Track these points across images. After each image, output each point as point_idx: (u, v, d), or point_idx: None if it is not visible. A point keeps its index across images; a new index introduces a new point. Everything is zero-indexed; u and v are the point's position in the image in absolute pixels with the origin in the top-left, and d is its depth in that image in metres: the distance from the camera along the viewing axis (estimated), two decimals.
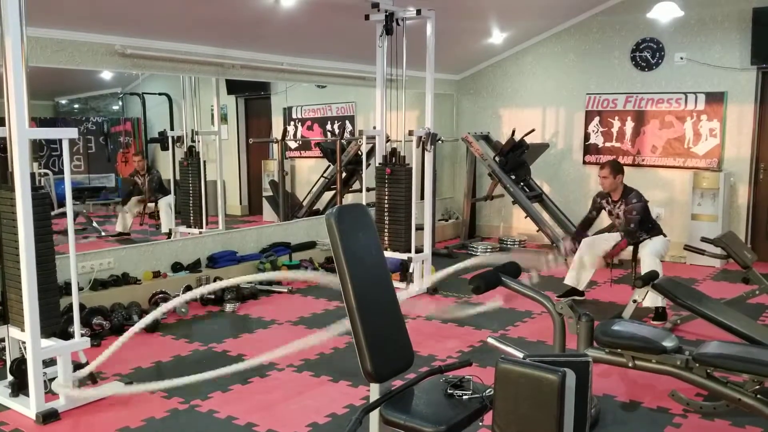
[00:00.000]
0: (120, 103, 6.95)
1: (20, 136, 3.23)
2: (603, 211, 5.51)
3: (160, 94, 6.94)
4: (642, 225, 5.24)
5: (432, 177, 6.22)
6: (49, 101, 6.52)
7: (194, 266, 5.88)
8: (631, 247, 5.27)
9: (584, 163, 8.09)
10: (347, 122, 8.39)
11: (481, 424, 2.38)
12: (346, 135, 8.15)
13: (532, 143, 7.77)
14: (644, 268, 4.94)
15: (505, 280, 3.29)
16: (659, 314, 4.96)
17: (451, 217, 9.05)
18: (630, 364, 3.13)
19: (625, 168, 7.56)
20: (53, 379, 3.52)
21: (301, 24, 5.92)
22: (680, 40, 7.36)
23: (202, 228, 6.35)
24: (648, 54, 7.57)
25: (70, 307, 3.69)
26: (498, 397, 1.97)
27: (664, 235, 5.35)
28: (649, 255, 5.08)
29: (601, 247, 5.38)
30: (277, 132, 8.16)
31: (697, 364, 2.97)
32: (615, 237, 5.35)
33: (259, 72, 6.61)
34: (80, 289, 4.69)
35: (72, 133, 3.45)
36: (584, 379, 2.03)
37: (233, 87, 7.40)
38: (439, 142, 7.87)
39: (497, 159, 7.74)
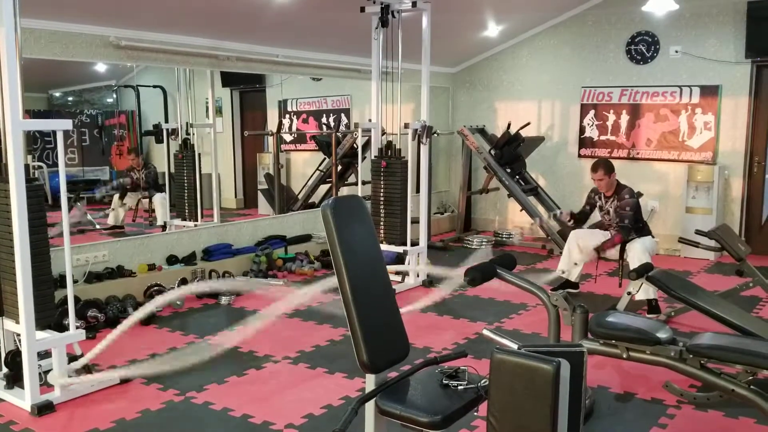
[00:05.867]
0: (114, 95, 6.91)
1: (14, 127, 3.21)
2: (596, 206, 5.52)
3: (154, 86, 6.91)
4: (634, 223, 5.24)
5: (427, 170, 6.22)
6: (42, 94, 6.48)
7: (189, 259, 5.87)
8: (618, 246, 5.27)
9: (579, 156, 8.10)
10: (343, 115, 8.38)
11: (476, 414, 2.39)
12: (342, 128, 8.14)
13: (528, 136, 7.77)
14: (634, 263, 4.95)
15: (500, 272, 3.30)
16: (653, 307, 4.98)
17: (447, 210, 9.06)
18: (624, 356, 3.14)
19: (620, 161, 7.60)
20: (48, 371, 3.52)
21: (296, 16, 5.90)
22: (675, 33, 7.37)
23: (197, 221, 6.34)
24: (643, 47, 7.57)
25: (64, 300, 3.69)
26: (493, 387, 1.98)
27: (653, 236, 5.37)
28: (639, 251, 5.09)
29: (589, 241, 5.40)
30: (272, 125, 8.14)
31: (691, 356, 2.98)
32: (605, 234, 5.35)
33: (254, 64, 6.59)
34: (75, 281, 4.69)
35: (67, 124, 3.44)
36: (579, 370, 2.04)
37: (228, 79, 7.37)
38: (435, 135, 7.86)
39: (493, 152, 7.74)
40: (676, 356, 3.02)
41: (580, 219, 5.64)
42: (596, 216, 5.67)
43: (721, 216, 7.14)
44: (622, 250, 5.26)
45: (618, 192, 5.30)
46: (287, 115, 8.62)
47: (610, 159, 7.56)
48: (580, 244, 5.41)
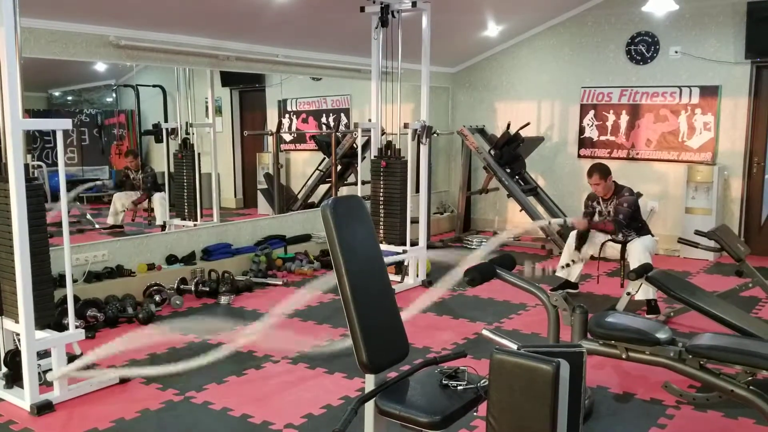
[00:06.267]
0: (114, 95, 6.91)
1: (14, 126, 3.21)
2: (595, 213, 5.49)
3: (154, 86, 6.91)
4: (632, 223, 5.23)
5: (427, 170, 6.22)
6: (42, 93, 6.48)
7: (189, 259, 5.87)
8: (619, 246, 5.26)
9: (579, 156, 8.10)
10: (342, 115, 8.38)
11: (475, 414, 2.39)
12: (341, 128, 8.13)
13: (527, 137, 7.78)
14: (634, 263, 4.95)
15: (500, 273, 3.30)
16: (652, 307, 4.98)
17: (446, 210, 9.06)
18: (623, 356, 3.14)
19: (619, 161, 7.59)
20: (48, 371, 3.52)
21: (296, 16, 5.90)
22: (675, 33, 7.38)
23: (196, 220, 6.34)
24: (643, 47, 7.58)
25: (64, 299, 3.69)
26: (493, 387, 1.98)
27: (652, 235, 5.36)
28: (639, 250, 5.08)
29: (591, 240, 5.39)
30: (271, 124, 8.14)
31: (690, 356, 2.98)
32: (606, 236, 5.34)
33: (254, 64, 6.59)
34: (74, 281, 4.69)
35: (66, 123, 3.43)
36: (578, 370, 2.04)
37: (228, 79, 7.38)
38: (435, 135, 7.87)
39: (492, 152, 7.74)
40: (675, 357, 3.02)
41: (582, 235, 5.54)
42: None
43: (721, 216, 7.14)
44: (623, 250, 5.26)
45: (617, 192, 5.29)
46: (287, 115, 8.62)
47: (610, 159, 7.63)
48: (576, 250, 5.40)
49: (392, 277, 5.71)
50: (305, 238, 7.00)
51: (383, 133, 6.11)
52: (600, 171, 5.29)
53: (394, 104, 5.90)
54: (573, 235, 5.51)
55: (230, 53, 6.18)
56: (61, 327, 3.76)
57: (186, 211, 6.41)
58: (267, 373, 3.94)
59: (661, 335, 3.07)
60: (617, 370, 3.95)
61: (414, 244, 5.93)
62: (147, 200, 6.64)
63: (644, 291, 4.75)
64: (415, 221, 6.07)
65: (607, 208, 5.34)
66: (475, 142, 7.97)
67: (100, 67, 6.11)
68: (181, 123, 6.49)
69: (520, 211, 7.61)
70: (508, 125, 7.69)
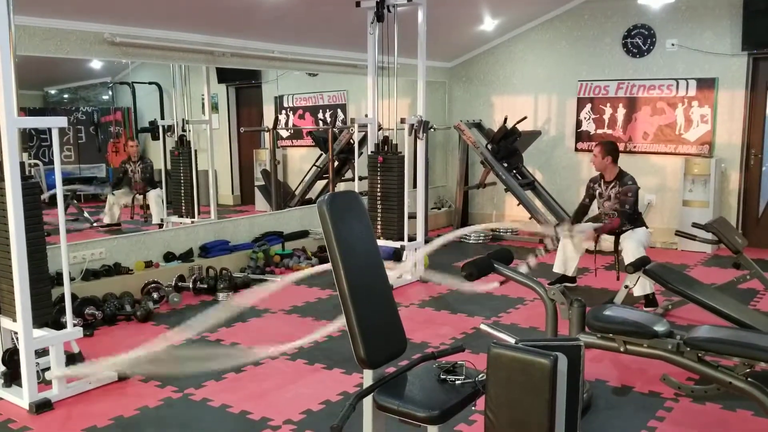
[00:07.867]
0: (110, 92, 6.89)
1: (9, 124, 3.20)
2: (596, 195, 5.50)
3: (150, 83, 6.89)
4: (633, 211, 5.24)
5: (424, 165, 6.22)
6: (38, 91, 6.46)
7: (186, 256, 5.86)
8: (612, 238, 5.27)
9: (576, 150, 8.10)
10: (339, 111, 8.36)
11: (473, 408, 2.39)
12: (338, 123, 8.12)
13: (524, 131, 7.77)
14: (628, 257, 4.94)
15: (497, 267, 3.30)
16: (650, 300, 4.98)
17: (444, 205, 9.06)
18: (622, 349, 3.15)
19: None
20: (46, 369, 3.52)
21: (291, 11, 5.88)
22: (672, 26, 7.37)
23: (194, 217, 6.34)
24: (639, 40, 7.57)
25: (62, 297, 3.68)
26: (490, 381, 1.98)
27: (647, 227, 5.36)
28: (633, 245, 5.07)
29: (582, 237, 5.38)
30: (268, 121, 8.12)
31: (689, 348, 2.99)
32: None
33: (250, 60, 6.57)
34: (72, 279, 4.68)
35: (61, 121, 3.42)
36: (576, 364, 2.04)
37: (224, 75, 7.35)
38: (432, 130, 7.85)
39: (489, 147, 7.73)
40: (673, 349, 3.02)
41: (581, 212, 5.60)
42: (593, 210, 5.67)
43: (718, 209, 7.15)
44: (617, 243, 5.26)
45: (620, 178, 5.28)
46: (283, 111, 8.60)
47: None
48: (574, 240, 5.41)
49: (389, 273, 5.70)
50: (303, 234, 7.00)
51: (380, 128, 6.10)
52: (604, 147, 5.34)
53: (390, 99, 5.89)
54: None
55: (226, 49, 6.17)
56: (59, 325, 3.76)
57: (183, 208, 6.40)
58: (265, 369, 3.94)
59: (659, 328, 3.08)
60: (615, 364, 3.96)
61: (411, 239, 5.93)
62: (144, 193, 6.62)
63: (642, 286, 4.76)
64: (412, 216, 6.06)
65: (608, 191, 5.32)
66: (472, 137, 7.96)
67: (96, 64, 6.09)
68: (178, 120, 6.47)
69: (518, 205, 7.61)
70: (505, 119, 7.68)
